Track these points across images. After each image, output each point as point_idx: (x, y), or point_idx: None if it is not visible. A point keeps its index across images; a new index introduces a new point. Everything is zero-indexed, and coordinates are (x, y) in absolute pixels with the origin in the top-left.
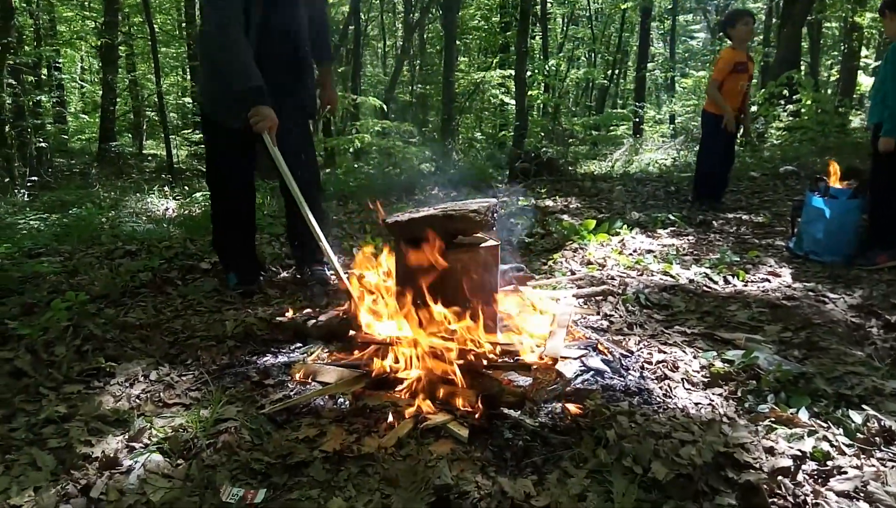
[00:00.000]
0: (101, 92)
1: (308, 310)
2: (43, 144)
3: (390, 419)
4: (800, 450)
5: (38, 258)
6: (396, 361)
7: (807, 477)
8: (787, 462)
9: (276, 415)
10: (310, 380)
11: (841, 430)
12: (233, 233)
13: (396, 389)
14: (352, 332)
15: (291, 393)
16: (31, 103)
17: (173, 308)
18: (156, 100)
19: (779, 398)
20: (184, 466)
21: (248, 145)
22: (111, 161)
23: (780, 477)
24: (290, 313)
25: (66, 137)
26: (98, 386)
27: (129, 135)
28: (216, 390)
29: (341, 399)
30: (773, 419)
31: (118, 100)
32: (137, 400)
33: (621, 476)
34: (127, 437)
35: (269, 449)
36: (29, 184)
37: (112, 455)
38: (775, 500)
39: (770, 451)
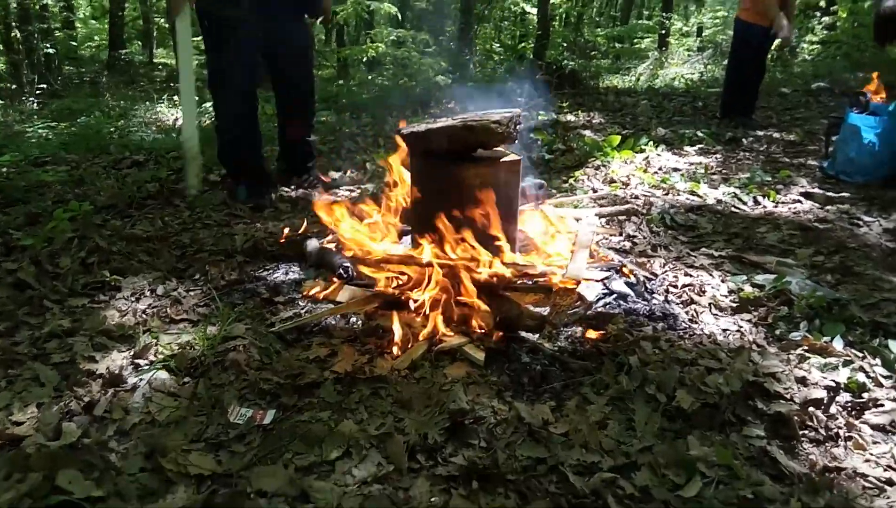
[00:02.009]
0: None
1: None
2: (50, 50)
3: (399, 338)
4: (834, 381)
5: (44, 167)
6: (411, 280)
7: (840, 409)
8: (820, 393)
9: (286, 334)
10: (321, 298)
11: (878, 360)
12: (238, 142)
13: (411, 309)
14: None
15: (302, 311)
16: (37, 7)
17: (181, 221)
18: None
19: (812, 325)
20: (190, 384)
21: (247, 42)
22: (121, 70)
23: (811, 409)
24: (287, 232)
25: (74, 43)
26: (103, 300)
27: (139, 42)
28: (224, 306)
29: (353, 319)
30: (805, 348)
31: (127, 5)
32: (143, 315)
33: (644, 404)
34: (132, 353)
35: (278, 369)
36: (38, 91)
37: (116, 372)
38: (806, 432)
39: (802, 381)
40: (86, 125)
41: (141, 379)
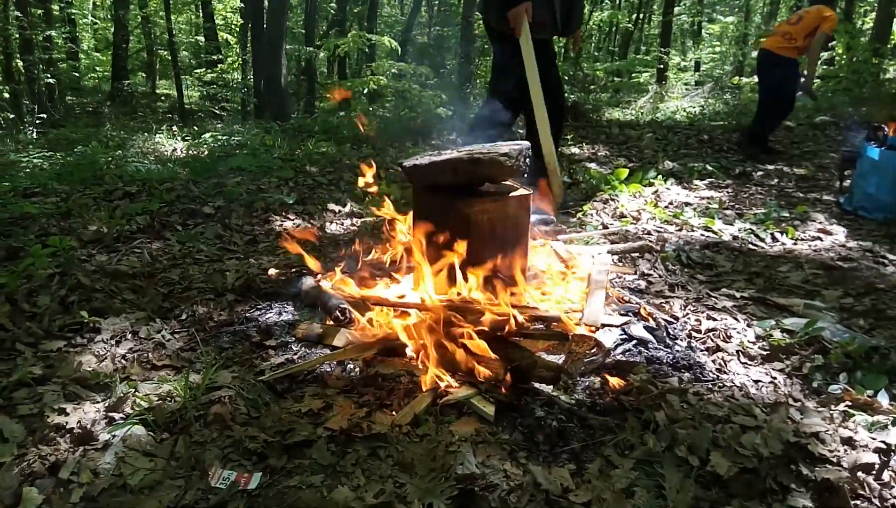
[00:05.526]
0: (112, 29)
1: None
2: (51, 80)
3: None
4: (884, 442)
5: (32, 199)
6: (413, 326)
7: (894, 476)
8: (871, 457)
9: (276, 383)
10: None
11: None
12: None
13: (412, 356)
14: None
15: (295, 357)
16: (40, 38)
17: (171, 256)
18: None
19: (852, 377)
20: (169, 441)
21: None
22: (124, 100)
23: (862, 475)
24: (272, 272)
25: (77, 74)
26: (80, 343)
27: (143, 74)
28: (211, 351)
29: (350, 366)
30: (848, 403)
31: (131, 37)
32: (123, 361)
33: (674, 469)
34: (106, 405)
35: (266, 424)
36: (37, 121)
37: (88, 427)
38: (858, 502)
39: (849, 442)
40: (82, 155)
41: (114, 435)
